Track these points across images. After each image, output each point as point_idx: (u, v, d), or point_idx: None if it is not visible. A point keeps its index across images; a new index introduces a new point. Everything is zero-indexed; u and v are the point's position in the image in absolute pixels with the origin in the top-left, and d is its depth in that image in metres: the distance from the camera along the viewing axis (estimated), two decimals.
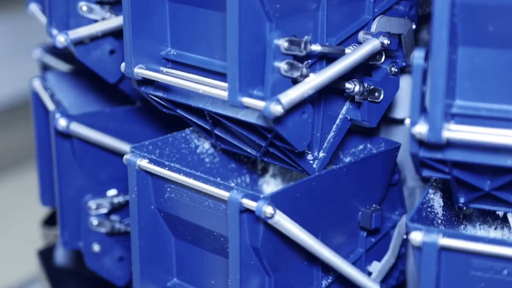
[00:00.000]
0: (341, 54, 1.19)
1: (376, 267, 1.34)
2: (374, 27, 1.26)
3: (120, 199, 1.57)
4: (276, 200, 1.15)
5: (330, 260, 1.23)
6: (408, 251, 1.45)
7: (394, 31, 1.28)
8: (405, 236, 1.40)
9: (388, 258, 1.36)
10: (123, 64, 1.27)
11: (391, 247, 1.37)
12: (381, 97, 1.25)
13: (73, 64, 1.79)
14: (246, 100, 1.12)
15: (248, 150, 1.29)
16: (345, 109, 1.28)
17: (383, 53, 1.24)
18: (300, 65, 1.12)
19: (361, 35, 1.25)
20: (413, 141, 1.06)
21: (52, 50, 1.82)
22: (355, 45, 1.23)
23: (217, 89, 1.17)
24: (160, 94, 1.28)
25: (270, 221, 1.15)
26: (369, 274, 1.34)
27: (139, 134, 1.56)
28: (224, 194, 1.18)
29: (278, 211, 1.15)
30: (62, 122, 1.51)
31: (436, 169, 1.09)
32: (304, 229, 1.18)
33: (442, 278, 1.08)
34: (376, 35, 1.22)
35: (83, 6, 1.45)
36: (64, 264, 1.82)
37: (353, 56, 1.18)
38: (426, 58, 1.05)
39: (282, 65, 1.11)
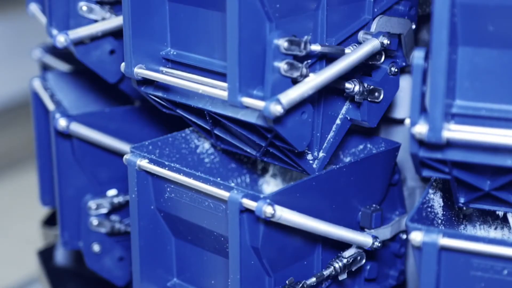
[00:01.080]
0: (341, 54, 1.19)
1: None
2: (373, 27, 1.26)
3: (120, 199, 1.57)
4: (276, 200, 1.15)
5: (341, 236, 1.23)
6: (408, 251, 1.45)
7: (394, 31, 1.28)
8: (405, 236, 1.40)
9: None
10: (123, 64, 1.27)
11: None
12: (381, 97, 1.25)
13: (73, 64, 1.79)
14: (246, 100, 1.12)
15: (248, 150, 1.29)
16: (345, 109, 1.28)
17: (383, 53, 1.24)
18: (299, 65, 1.12)
19: (361, 35, 1.25)
20: (413, 141, 1.06)
21: (52, 50, 1.82)
22: (355, 45, 1.23)
23: (217, 89, 1.17)
24: (160, 94, 1.28)
25: (274, 219, 1.15)
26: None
27: (139, 134, 1.56)
28: (224, 194, 1.18)
29: (278, 207, 1.14)
30: (62, 122, 1.51)
31: (436, 169, 1.09)
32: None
33: (442, 278, 1.08)
34: (376, 35, 1.22)
35: (83, 6, 1.45)
36: (64, 264, 1.82)
37: (352, 56, 1.18)
38: (426, 58, 1.05)
39: (282, 65, 1.11)
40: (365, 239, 1.26)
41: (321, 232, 1.21)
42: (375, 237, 1.27)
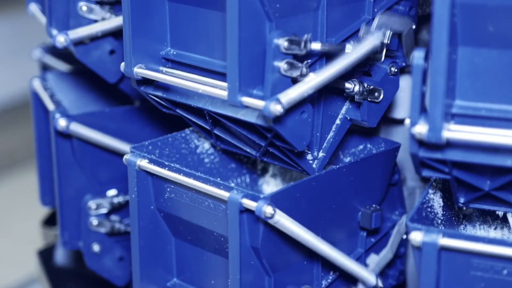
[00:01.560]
0: (341, 52, 1.19)
1: (374, 259, 1.34)
2: (374, 25, 1.26)
3: (120, 199, 1.57)
4: (276, 200, 1.15)
5: (331, 256, 1.23)
6: (408, 251, 1.45)
7: (395, 29, 1.28)
8: (405, 236, 1.40)
9: (386, 253, 1.36)
10: (123, 64, 1.27)
11: (389, 243, 1.37)
12: (381, 97, 1.25)
13: (73, 64, 1.79)
14: (246, 100, 1.12)
15: (248, 150, 1.29)
16: (345, 109, 1.28)
17: (384, 51, 1.24)
18: (299, 64, 1.12)
19: (362, 31, 1.24)
20: (413, 141, 1.06)
21: (52, 50, 1.82)
22: (355, 41, 1.23)
23: (217, 89, 1.17)
24: (159, 94, 1.28)
25: (270, 221, 1.15)
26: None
27: (139, 134, 1.56)
28: (224, 194, 1.18)
29: (278, 211, 1.15)
30: (62, 122, 1.51)
31: (436, 169, 1.09)
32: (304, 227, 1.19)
33: (442, 278, 1.08)
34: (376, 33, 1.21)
35: (83, 6, 1.45)
36: (64, 264, 1.82)
37: (353, 55, 1.18)
38: (426, 58, 1.05)
39: (282, 65, 1.11)
40: (369, 276, 1.27)
41: (322, 254, 1.22)
42: (378, 277, 1.28)
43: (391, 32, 1.23)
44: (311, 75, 1.14)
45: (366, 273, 1.27)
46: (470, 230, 1.27)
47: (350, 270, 1.26)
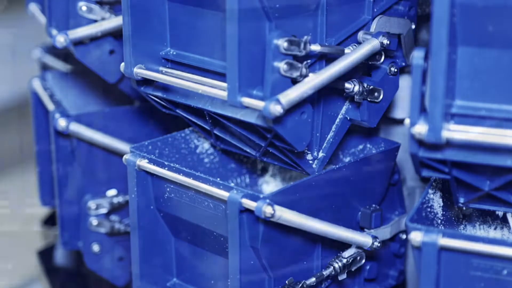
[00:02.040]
0: (341, 54, 1.19)
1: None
2: (373, 27, 1.26)
3: (120, 199, 1.57)
4: (275, 200, 1.15)
5: (341, 236, 1.23)
6: (408, 251, 1.45)
7: (393, 31, 1.28)
8: (404, 236, 1.40)
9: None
10: (122, 64, 1.27)
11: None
12: (381, 97, 1.25)
13: (73, 64, 1.79)
14: (246, 100, 1.12)
15: (248, 150, 1.29)
16: (344, 109, 1.28)
17: (383, 53, 1.24)
18: (299, 65, 1.12)
19: (360, 35, 1.25)
20: (413, 141, 1.06)
21: (52, 50, 1.82)
22: (355, 45, 1.23)
23: (217, 89, 1.17)
24: (159, 94, 1.28)
25: (273, 219, 1.15)
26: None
27: (139, 134, 1.56)
28: (223, 194, 1.18)
29: (277, 207, 1.14)
30: (61, 122, 1.51)
31: (436, 169, 1.09)
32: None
33: (442, 278, 1.08)
34: (376, 35, 1.22)
35: (83, 6, 1.45)
36: (64, 264, 1.82)
37: (352, 56, 1.18)
38: (426, 58, 1.05)
39: (282, 65, 1.11)
40: (364, 239, 1.26)
41: (321, 232, 1.21)
42: (374, 237, 1.27)
43: (391, 35, 1.24)
44: (311, 75, 1.14)
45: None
46: (470, 230, 1.27)
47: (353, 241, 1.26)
